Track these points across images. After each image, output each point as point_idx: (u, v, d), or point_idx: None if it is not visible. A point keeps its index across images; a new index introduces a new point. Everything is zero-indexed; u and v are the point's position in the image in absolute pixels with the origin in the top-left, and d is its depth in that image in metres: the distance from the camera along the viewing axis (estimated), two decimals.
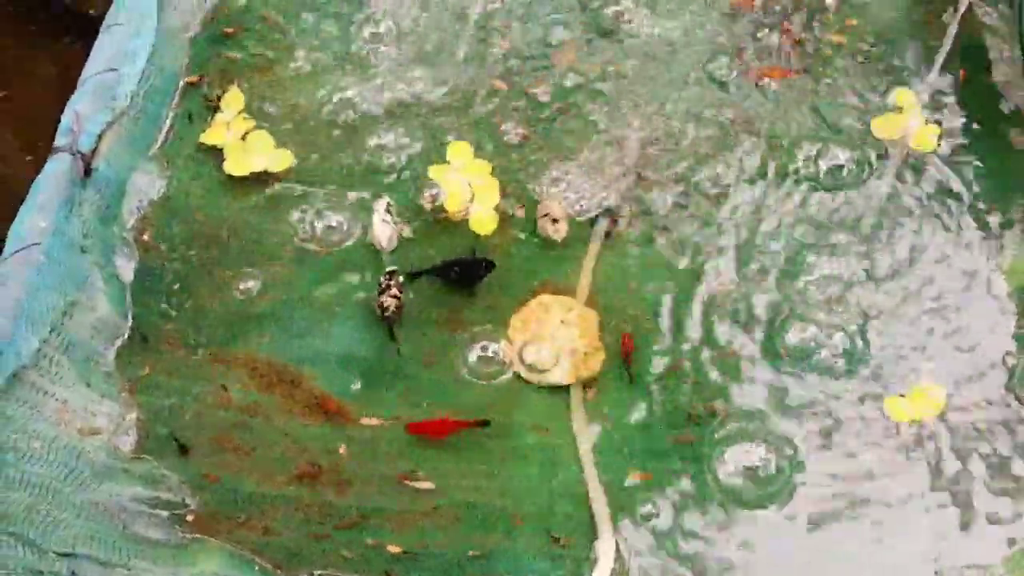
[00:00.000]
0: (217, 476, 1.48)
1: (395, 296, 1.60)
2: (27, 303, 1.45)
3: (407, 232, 1.70)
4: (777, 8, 1.94)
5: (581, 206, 1.72)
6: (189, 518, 1.45)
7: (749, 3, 1.94)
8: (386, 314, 1.60)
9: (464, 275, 1.64)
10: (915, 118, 1.76)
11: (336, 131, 1.81)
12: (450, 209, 1.70)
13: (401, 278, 1.63)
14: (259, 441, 1.52)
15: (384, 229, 1.67)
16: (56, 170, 1.57)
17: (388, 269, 1.64)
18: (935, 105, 1.80)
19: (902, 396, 1.51)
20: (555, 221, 1.68)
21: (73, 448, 1.45)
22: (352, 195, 1.73)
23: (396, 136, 1.80)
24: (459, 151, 1.76)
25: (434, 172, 1.73)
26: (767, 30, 1.91)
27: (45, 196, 1.54)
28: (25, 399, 1.44)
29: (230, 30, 1.91)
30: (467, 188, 1.71)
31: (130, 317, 1.61)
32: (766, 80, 1.85)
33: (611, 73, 1.88)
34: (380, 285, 1.61)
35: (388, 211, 1.68)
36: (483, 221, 1.70)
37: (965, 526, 1.42)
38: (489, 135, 1.80)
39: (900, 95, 1.80)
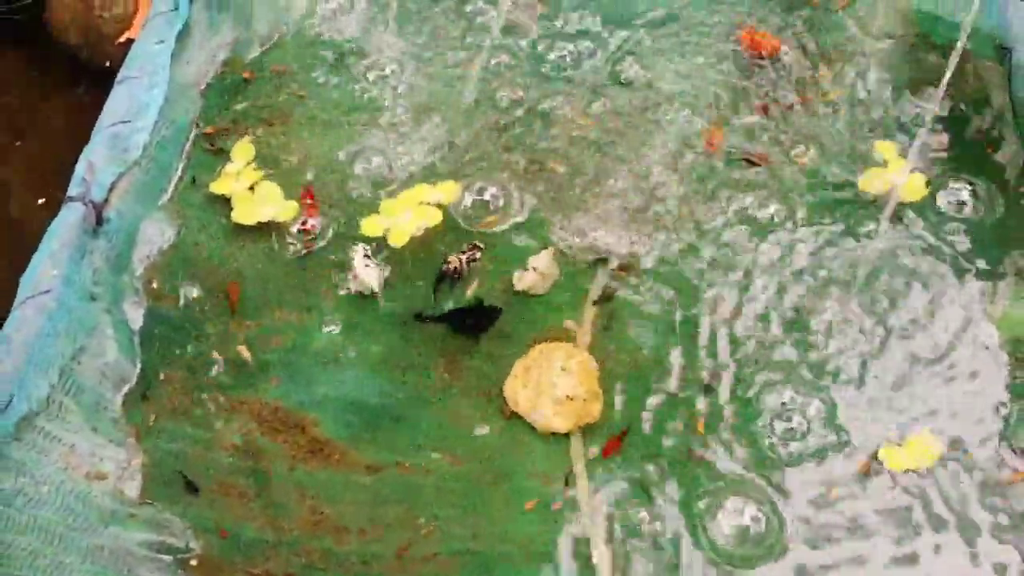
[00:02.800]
0: (221, 522, 1.50)
1: (468, 261, 1.69)
2: (37, 349, 1.48)
3: (387, 273, 1.73)
4: (771, 61, 1.99)
5: (581, 254, 1.75)
6: (193, 563, 1.46)
7: (758, 50, 1.98)
8: (445, 267, 1.67)
9: (473, 323, 1.67)
10: (901, 170, 1.78)
11: (344, 182, 1.85)
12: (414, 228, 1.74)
13: (479, 254, 1.70)
14: (263, 487, 1.54)
15: (370, 272, 1.70)
16: (68, 219, 1.60)
17: (474, 242, 1.72)
18: (926, 157, 1.83)
19: (898, 445, 1.53)
20: (525, 270, 1.71)
21: (80, 493, 1.47)
22: (360, 245, 1.76)
23: (403, 186, 1.84)
24: (372, 226, 1.76)
25: (395, 238, 1.73)
26: (761, 82, 1.96)
27: (57, 245, 1.57)
28: (33, 444, 1.46)
29: (246, 87, 1.96)
30: (421, 210, 1.76)
31: (138, 363, 1.64)
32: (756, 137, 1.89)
33: (610, 125, 1.91)
34: (463, 248, 1.71)
35: (367, 256, 1.72)
36: (447, 188, 1.79)
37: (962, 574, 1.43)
38: (491, 184, 1.83)
39: (881, 148, 1.83)
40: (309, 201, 1.71)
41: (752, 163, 1.83)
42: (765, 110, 1.91)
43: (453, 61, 2.01)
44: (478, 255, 1.72)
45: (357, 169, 1.86)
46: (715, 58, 1.99)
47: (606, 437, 1.56)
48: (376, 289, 1.70)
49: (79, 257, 1.59)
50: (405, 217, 1.75)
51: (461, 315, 1.68)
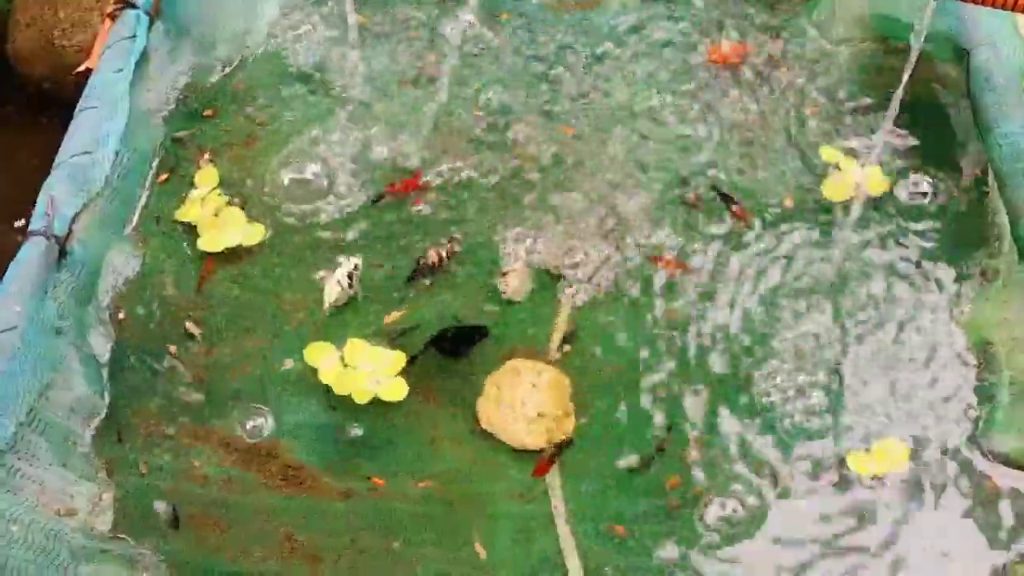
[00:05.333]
0: (195, 553, 1.49)
1: (447, 254, 1.71)
2: (3, 388, 1.46)
3: (359, 296, 1.72)
4: (734, 69, 2.00)
5: (551, 268, 1.75)
6: None
7: (726, 58, 1.99)
8: (422, 261, 1.70)
9: (458, 343, 1.66)
10: (857, 171, 1.78)
11: (308, 206, 1.85)
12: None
13: (458, 247, 1.73)
14: (236, 517, 1.53)
15: (333, 290, 1.70)
16: (30, 254, 1.58)
17: (451, 236, 1.75)
18: (888, 163, 1.84)
19: (866, 451, 1.54)
20: (504, 274, 1.72)
21: (51, 530, 1.45)
22: (324, 269, 1.76)
23: (368, 210, 1.83)
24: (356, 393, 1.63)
25: (360, 396, 1.62)
26: (725, 91, 1.97)
27: (20, 281, 1.55)
28: (2, 482, 1.44)
29: (208, 112, 1.95)
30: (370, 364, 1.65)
31: (107, 396, 1.62)
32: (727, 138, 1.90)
33: (575, 140, 1.92)
34: (441, 241, 1.73)
35: (350, 276, 1.71)
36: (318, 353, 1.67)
37: None
38: (457, 203, 1.84)
39: (826, 153, 1.84)
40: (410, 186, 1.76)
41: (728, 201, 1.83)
42: (728, 119, 1.93)
43: (417, 80, 2.01)
44: (457, 248, 1.72)
45: (318, 191, 1.85)
46: (680, 69, 2.00)
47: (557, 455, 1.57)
48: (329, 303, 1.70)
49: (43, 292, 1.57)
50: (366, 367, 1.64)
51: (446, 337, 1.66)
